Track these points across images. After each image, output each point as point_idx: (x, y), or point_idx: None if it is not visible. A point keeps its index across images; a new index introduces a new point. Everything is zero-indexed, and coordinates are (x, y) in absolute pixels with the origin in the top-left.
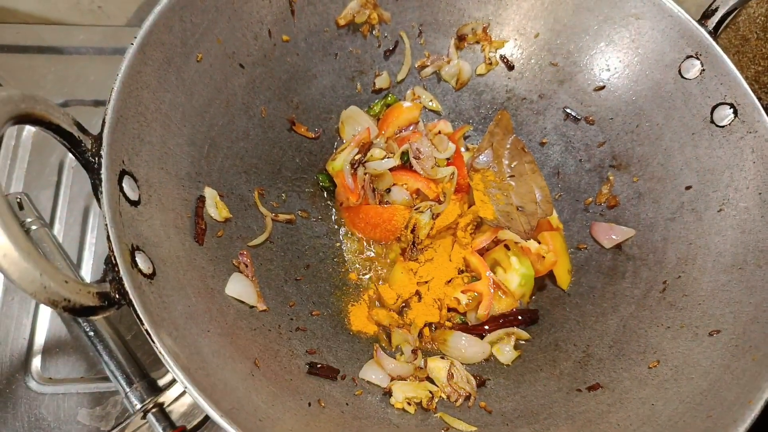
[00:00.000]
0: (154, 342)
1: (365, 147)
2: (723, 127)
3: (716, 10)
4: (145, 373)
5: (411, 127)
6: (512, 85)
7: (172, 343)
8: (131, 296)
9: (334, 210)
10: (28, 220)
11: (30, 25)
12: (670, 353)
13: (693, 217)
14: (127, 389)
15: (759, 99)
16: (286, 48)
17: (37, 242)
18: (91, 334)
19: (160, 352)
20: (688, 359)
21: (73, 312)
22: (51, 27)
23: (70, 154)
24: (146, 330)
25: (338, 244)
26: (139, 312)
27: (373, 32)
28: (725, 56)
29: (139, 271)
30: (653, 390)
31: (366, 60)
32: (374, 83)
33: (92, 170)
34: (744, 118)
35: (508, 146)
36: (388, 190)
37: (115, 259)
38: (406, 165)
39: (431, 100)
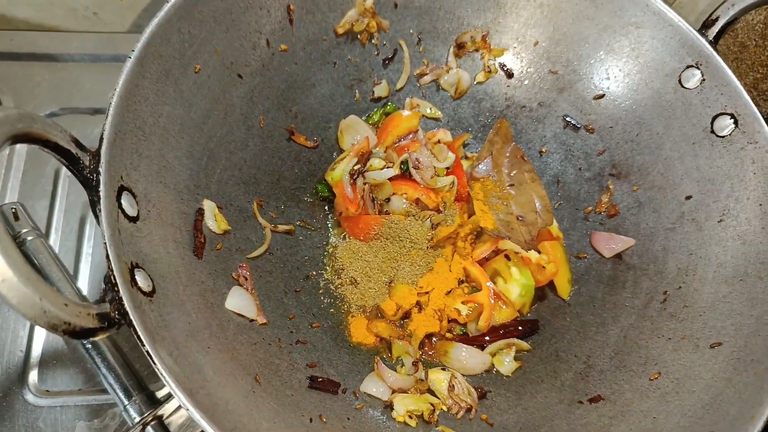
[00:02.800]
0: (155, 363)
1: (364, 156)
2: (723, 137)
3: (717, 20)
4: (143, 386)
5: (410, 136)
6: (511, 93)
7: (173, 363)
8: (131, 317)
9: (333, 220)
10: (24, 230)
11: (24, 32)
12: (672, 365)
13: (693, 227)
14: (126, 402)
15: (757, 106)
16: (284, 57)
17: (33, 253)
18: (89, 346)
19: (162, 374)
20: (690, 372)
21: (73, 335)
22: (46, 34)
23: None
24: (147, 351)
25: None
26: (140, 333)
27: (372, 40)
28: (726, 66)
29: (139, 289)
30: (655, 403)
31: (365, 68)
32: (373, 92)
33: (90, 187)
34: (744, 128)
35: (508, 155)
36: (388, 200)
37: (114, 279)
38: (405, 174)
39: (430, 108)
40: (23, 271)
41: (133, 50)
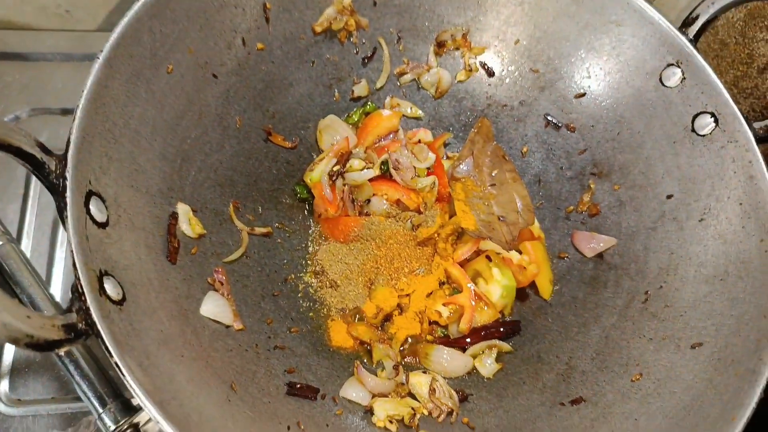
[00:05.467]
0: (123, 375)
1: (344, 157)
2: (704, 136)
3: (697, 18)
4: (118, 393)
5: (390, 136)
6: (492, 91)
7: (142, 374)
8: (99, 327)
9: (312, 221)
10: None
11: None
12: (653, 366)
13: (674, 226)
14: (101, 410)
15: (737, 104)
16: (261, 56)
17: (4, 259)
18: (62, 353)
19: (131, 385)
20: (671, 373)
21: (36, 348)
22: (16, 32)
23: None
24: (115, 363)
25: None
26: (108, 343)
27: (351, 39)
28: (706, 65)
29: (108, 297)
30: (636, 404)
31: (344, 67)
32: (353, 91)
33: (57, 192)
34: (725, 127)
35: (489, 154)
36: (368, 201)
37: (81, 288)
38: (386, 175)
39: (411, 107)
40: None
41: (101, 50)
